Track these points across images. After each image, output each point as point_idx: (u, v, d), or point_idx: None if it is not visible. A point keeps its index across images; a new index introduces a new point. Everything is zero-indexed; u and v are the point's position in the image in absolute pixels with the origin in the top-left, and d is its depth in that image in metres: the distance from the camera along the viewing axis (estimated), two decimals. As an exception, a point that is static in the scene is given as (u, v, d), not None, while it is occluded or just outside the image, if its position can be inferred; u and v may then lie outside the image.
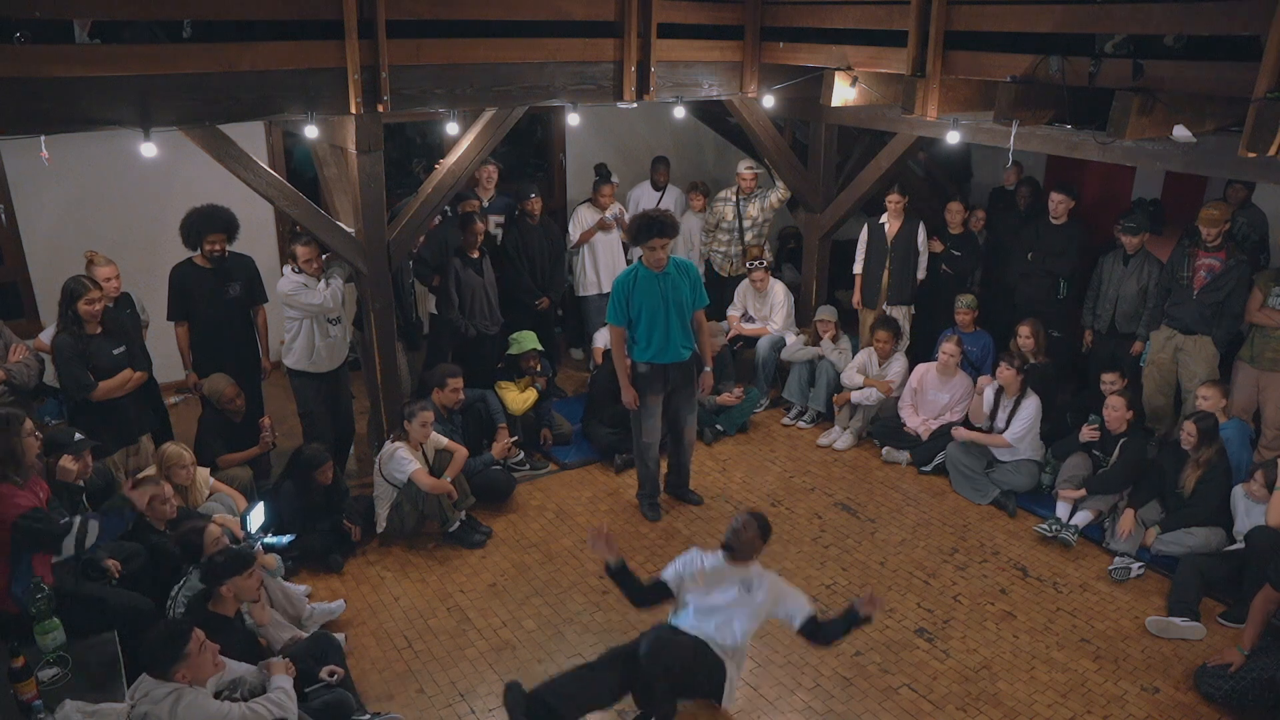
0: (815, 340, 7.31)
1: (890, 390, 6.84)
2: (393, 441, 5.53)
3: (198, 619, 3.97)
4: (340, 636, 4.56)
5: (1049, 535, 5.67)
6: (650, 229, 5.32)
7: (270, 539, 4.96)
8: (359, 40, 4.87)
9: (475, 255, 6.67)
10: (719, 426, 7.02)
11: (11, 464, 3.84)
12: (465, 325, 6.70)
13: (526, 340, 6.57)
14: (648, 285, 5.48)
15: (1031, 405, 6.13)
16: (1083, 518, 5.72)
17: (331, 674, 4.07)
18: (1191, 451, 5.37)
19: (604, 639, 4.84)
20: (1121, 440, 5.75)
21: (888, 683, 4.57)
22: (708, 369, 5.81)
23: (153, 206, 6.87)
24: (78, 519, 3.94)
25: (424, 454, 5.61)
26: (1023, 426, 6.10)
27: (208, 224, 5.60)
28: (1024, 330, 6.50)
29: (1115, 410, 5.71)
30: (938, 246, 7.29)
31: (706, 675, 4.11)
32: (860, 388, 6.89)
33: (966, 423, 6.44)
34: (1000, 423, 6.22)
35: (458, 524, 5.61)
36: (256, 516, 5.01)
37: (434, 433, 5.69)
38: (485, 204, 7.18)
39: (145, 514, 4.69)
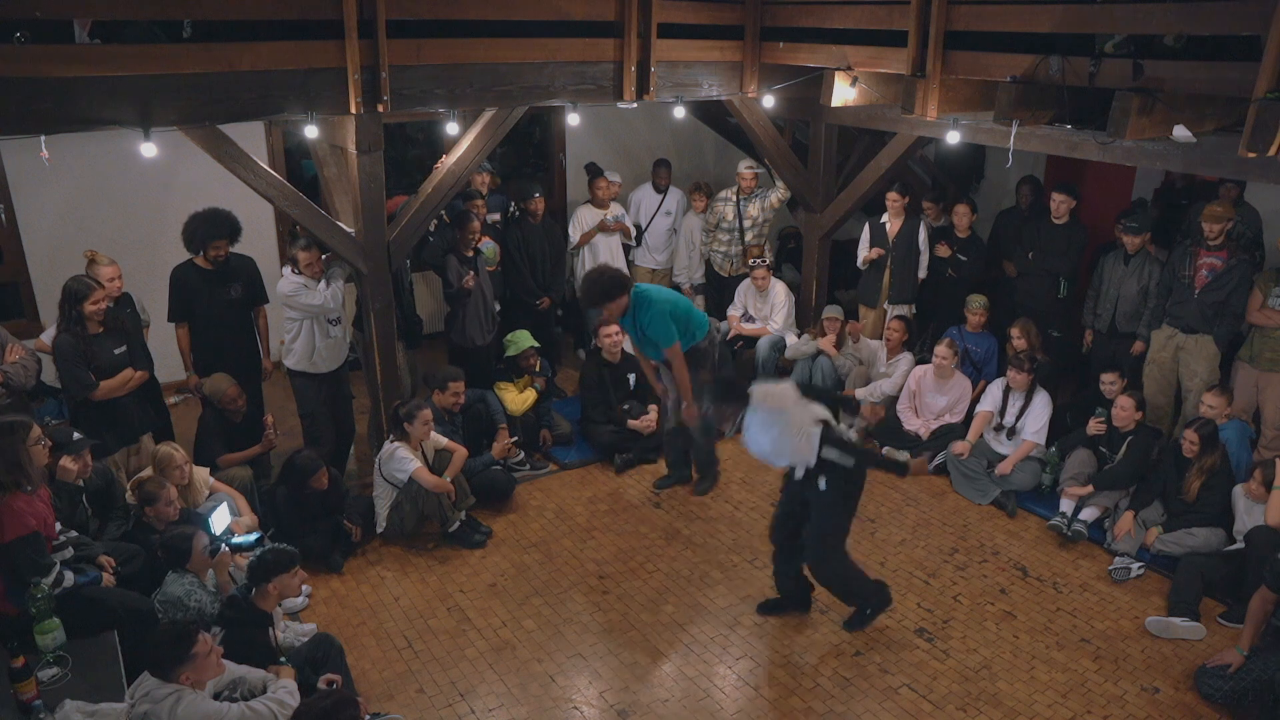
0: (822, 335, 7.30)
1: (878, 415, 6.91)
2: (392, 441, 5.53)
3: (241, 611, 4.09)
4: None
5: (1066, 534, 5.67)
6: (586, 300, 5.56)
7: (237, 539, 4.96)
8: (359, 40, 4.86)
9: (470, 254, 6.64)
10: (719, 427, 7.01)
11: (20, 473, 3.84)
12: (464, 276, 6.56)
13: (523, 340, 6.57)
14: (625, 320, 5.69)
15: (1044, 400, 6.18)
16: (1090, 514, 5.73)
17: (330, 683, 4.07)
18: (1194, 460, 5.37)
19: (604, 639, 4.86)
20: (1129, 437, 5.76)
21: (888, 683, 4.58)
22: (684, 405, 5.71)
23: (153, 206, 6.87)
24: (58, 565, 3.98)
25: (424, 454, 5.61)
26: (1040, 423, 6.16)
27: (212, 230, 5.58)
28: (1015, 331, 6.52)
29: (1124, 410, 5.72)
30: (944, 251, 7.28)
31: None
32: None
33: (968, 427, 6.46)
34: (1010, 419, 6.25)
35: (458, 524, 5.62)
36: (221, 518, 5.01)
37: (434, 433, 5.69)
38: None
39: (148, 514, 4.70)
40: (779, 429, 4.42)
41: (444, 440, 5.74)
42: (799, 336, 7.50)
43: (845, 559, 4.77)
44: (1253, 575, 4.72)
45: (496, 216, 7.38)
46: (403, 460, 5.42)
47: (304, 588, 5.12)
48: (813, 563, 4.77)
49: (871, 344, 7.17)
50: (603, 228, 7.73)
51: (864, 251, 7.41)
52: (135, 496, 4.81)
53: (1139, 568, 5.39)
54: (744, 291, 7.73)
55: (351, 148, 5.28)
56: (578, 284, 7.94)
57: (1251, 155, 4.08)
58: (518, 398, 6.54)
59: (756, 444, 4.54)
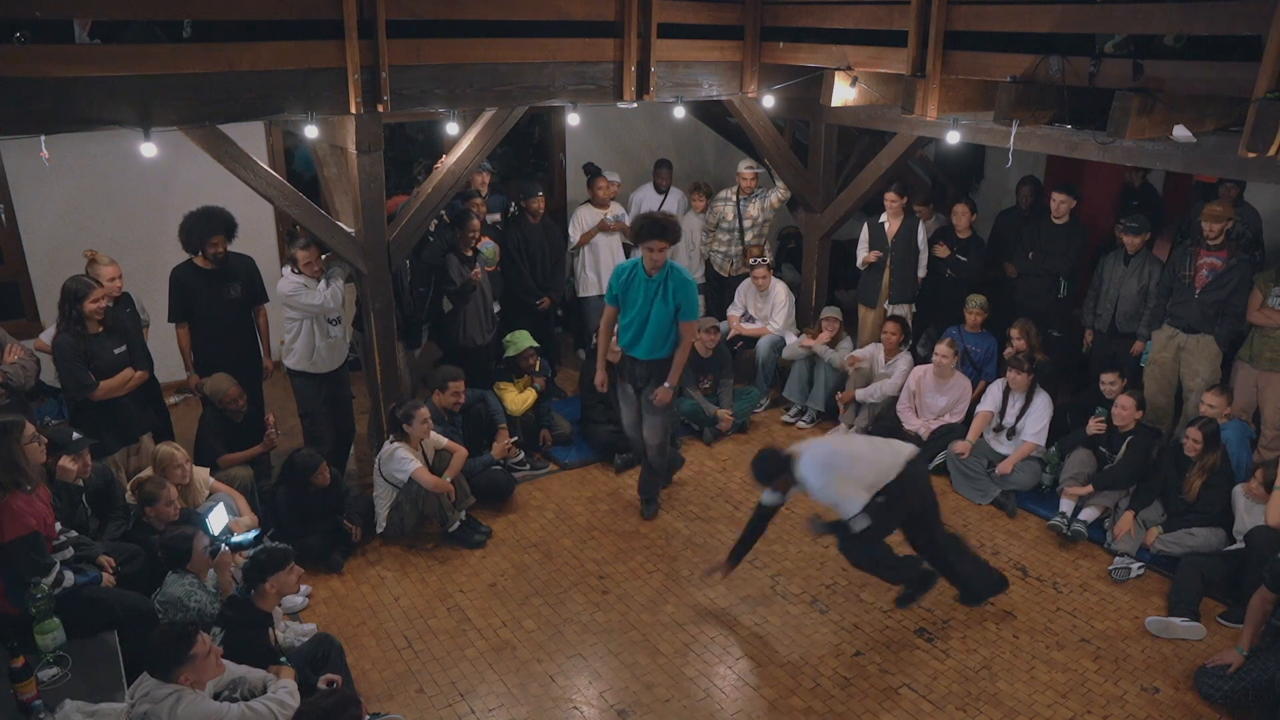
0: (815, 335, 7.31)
1: (855, 363, 6.99)
2: (392, 442, 5.53)
3: (241, 611, 4.09)
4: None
5: (1065, 534, 5.67)
6: (650, 230, 5.36)
7: (236, 538, 4.95)
8: (359, 40, 4.87)
9: (470, 254, 6.64)
10: (720, 427, 7.02)
11: (17, 472, 3.84)
12: (465, 275, 6.51)
13: (522, 340, 6.57)
14: (639, 285, 5.54)
15: (1044, 401, 6.19)
16: (1090, 514, 5.74)
17: (330, 683, 4.07)
18: (1196, 458, 5.37)
19: (604, 639, 4.86)
20: (1129, 437, 5.76)
21: (888, 683, 4.58)
22: (665, 385, 5.62)
23: (153, 206, 6.87)
24: (58, 565, 3.97)
25: (424, 454, 5.61)
26: (1041, 424, 6.16)
27: (208, 227, 5.58)
28: (1014, 331, 6.52)
29: (1125, 409, 5.73)
30: (943, 251, 7.28)
31: None
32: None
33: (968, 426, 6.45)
34: (1010, 419, 6.25)
35: (458, 524, 5.62)
36: (218, 518, 5.01)
37: (434, 433, 5.69)
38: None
39: (149, 514, 4.70)
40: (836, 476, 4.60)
41: (444, 440, 5.74)
42: (799, 336, 7.50)
43: (873, 550, 4.78)
44: (1253, 575, 4.71)
45: (497, 216, 7.38)
46: (402, 460, 5.42)
47: (304, 588, 5.12)
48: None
49: (870, 346, 7.17)
50: (603, 227, 7.73)
51: (863, 253, 7.41)
52: (135, 496, 4.80)
53: (1139, 568, 5.39)
54: (744, 291, 7.73)
55: (351, 148, 5.28)
56: (577, 284, 7.95)
57: (1251, 155, 4.08)
58: (518, 398, 6.54)
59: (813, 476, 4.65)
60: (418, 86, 5.21)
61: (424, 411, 5.53)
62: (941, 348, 6.55)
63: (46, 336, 5.35)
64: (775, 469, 4.70)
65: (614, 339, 5.85)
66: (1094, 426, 5.90)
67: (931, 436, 6.54)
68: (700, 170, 9.13)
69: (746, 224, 7.89)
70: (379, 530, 5.60)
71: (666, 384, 5.62)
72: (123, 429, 5.25)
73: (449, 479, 5.55)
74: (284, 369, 6.13)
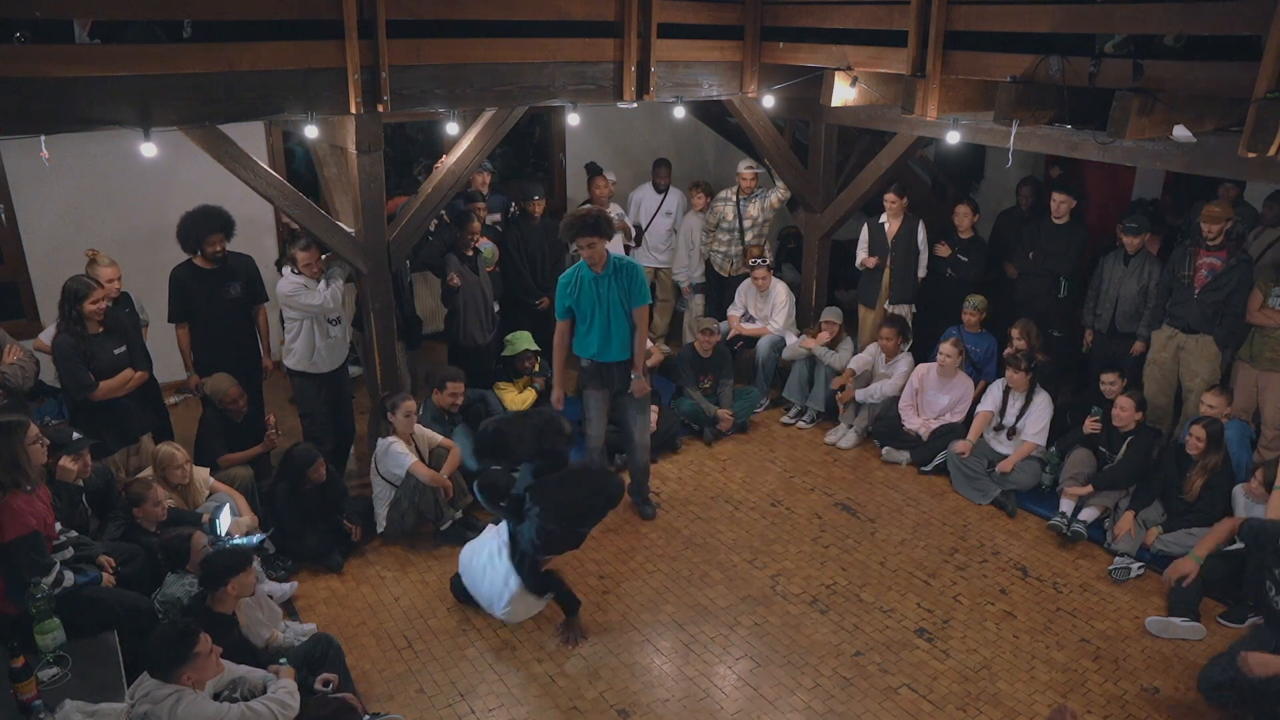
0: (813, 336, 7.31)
1: (849, 378, 6.97)
2: (384, 437, 5.52)
3: (199, 618, 4.01)
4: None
5: (1065, 534, 5.67)
6: (578, 228, 5.31)
7: (239, 539, 4.96)
8: (359, 40, 4.86)
9: (470, 254, 6.64)
10: (720, 427, 7.01)
11: (18, 472, 3.83)
12: (459, 275, 6.54)
13: (521, 341, 6.57)
14: (587, 288, 5.48)
15: (1044, 401, 6.20)
16: (1090, 514, 5.74)
17: (326, 683, 4.06)
18: (1198, 457, 5.37)
19: (603, 639, 4.86)
20: (1129, 437, 5.76)
21: (888, 683, 4.58)
22: (636, 376, 5.59)
23: (153, 206, 6.86)
24: (58, 565, 3.97)
25: (418, 450, 5.61)
26: (1041, 424, 6.17)
27: (206, 226, 5.58)
28: (1015, 332, 6.53)
29: (1124, 410, 5.73)
30: (944, 251, 7.28)
31: None
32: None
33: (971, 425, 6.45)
34: (1010, 419, 6.26)
35: (450, 522, 5.61)
36: (224, 519, 5.00)
37: (430, 431, 5.69)
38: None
39: (137, 515, 4.69)
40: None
41: (439, 438, 5.73)
42: (799, 337, 7.50)
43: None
44: (1253, 574, 4.71)
45: (497, 217, 7.39)
46: (398, 456, 5.42)
47: (291, 584, 5.12)
48: None
49: (871, 348, 7.16)
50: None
51: (862, 254, 7.41)
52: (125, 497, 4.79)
53: (1139, 568, 5.39)
54: (744, 291, 7.73)
55: (351, 148, 5.28)
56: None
57: (1251, 155, 4.08)
58: (517, 398, 6.54)
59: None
60: (418, 86, 5.21)
61: (410, 404, 5.51)
62: (946, 347, 6.55)
63: (46, 336, 5.35)
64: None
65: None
66: (1090, 426, 5.90)
67: (932, 436, 6.54)
68: (700, 170, 9.13)
69: (746, 224, 7.89)
70: (380, 530, 5.60)
71: (635, 374, 5.58)
72: (123, 429, 5.25)
73: (446, 475, 5.54)
74: (284, 369, 6.13)
